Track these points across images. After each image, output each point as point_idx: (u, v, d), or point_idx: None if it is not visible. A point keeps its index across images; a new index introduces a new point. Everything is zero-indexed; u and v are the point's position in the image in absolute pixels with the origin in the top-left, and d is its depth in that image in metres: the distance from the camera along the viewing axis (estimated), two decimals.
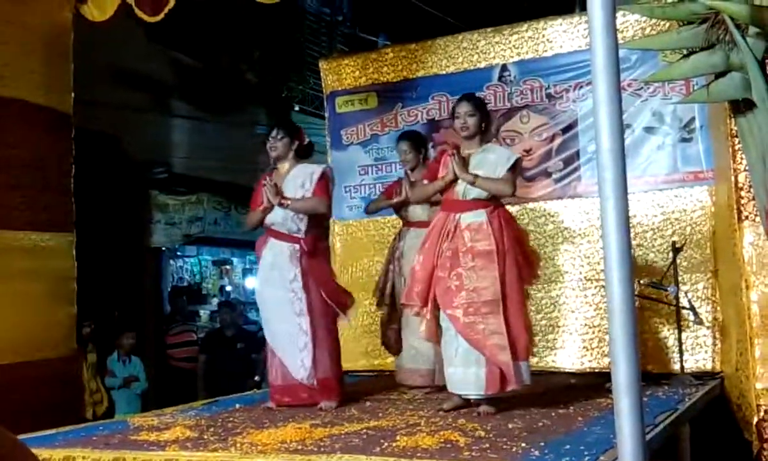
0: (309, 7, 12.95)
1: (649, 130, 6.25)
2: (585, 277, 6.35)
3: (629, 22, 6.06)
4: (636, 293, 5.38)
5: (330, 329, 5.03)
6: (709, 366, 5.84)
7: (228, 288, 12.24)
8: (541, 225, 6.52)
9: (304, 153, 5.15)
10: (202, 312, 11.48)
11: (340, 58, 7.72)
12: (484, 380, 4.34)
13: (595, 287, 6.23)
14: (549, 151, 6.59)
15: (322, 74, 7.57)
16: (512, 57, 6.70)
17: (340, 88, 7.38)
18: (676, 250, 5.69)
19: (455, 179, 4.58)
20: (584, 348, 6.27)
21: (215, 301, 11.64)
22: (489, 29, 6.83)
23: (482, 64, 6.80)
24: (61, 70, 6.01)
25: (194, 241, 11.04)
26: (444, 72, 6.95)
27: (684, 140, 6.16)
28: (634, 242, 5.83)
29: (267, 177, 5.00)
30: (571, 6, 7.45)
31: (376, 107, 7.22)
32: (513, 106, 6.70)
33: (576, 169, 6.50)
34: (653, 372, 5.54)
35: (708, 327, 5.86)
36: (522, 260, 4.57)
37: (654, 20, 5.80)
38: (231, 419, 4.54)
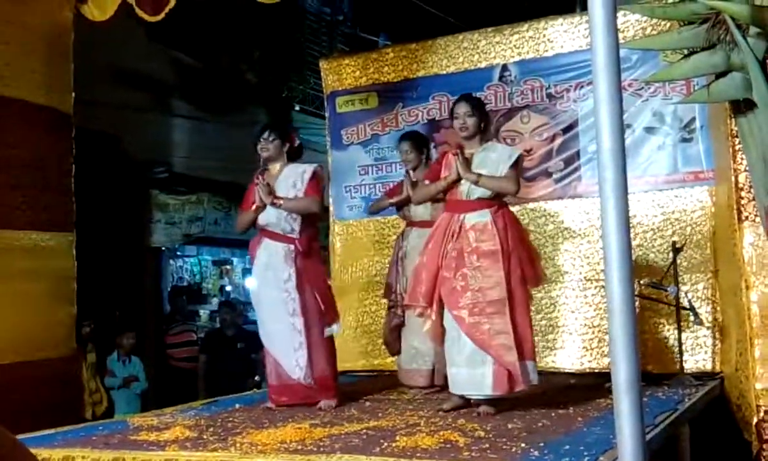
0: (309, 7, 12.95)
1: (649, 130, 6.25)
2: (585, 277, 6.35)
3: (630, 22, 6.06)
4: (636, 293, 5.39)
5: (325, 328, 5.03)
6: (708, 367, 5.83)
7: (228, 288, 12.23)
8: (541, 225, 6.52)
9: (296, 154, 5.16)
10: (202, 312, 11.47)
11: (340, 58, 7.72)
12: (491, 380, 4.33)
13: (595, 288, 6.23)
14: (549, 151, 6.59)
15: (322, 74, 7.57)
16: (513, 57, 6.69)
17: (340, 88, 7.38)
18: (676, 250, 5.69)
19: (458, 180, 4.57)
20: (584, 348, 6.27)
21: (215, 301, 11.64)
22: (489, 29, 6.83)
23: (483, 64, 6.80)
24: (62, 69, 6.01)
25: (194, 241, 11.03)
26: (444, 72, 6.95)
27: (684, 140, 6.16)
28: (634, 243, 5.83)
29: (259, 176, 5.00)
30: (571, 6, 7.45)
31: (377, 107, 7.22)
32: (513, 106, 6.70)
33: (576, 169, 6.50)
34: (653, 373, 5.53)
35: (708, 328, 5.86)
36: (526, 260, 4.57)
37: (655, 20, 5.80)
38: (231, 419, 4.54)
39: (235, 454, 3.43)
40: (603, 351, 6.04)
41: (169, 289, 10.68)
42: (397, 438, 3.56)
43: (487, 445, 3.43)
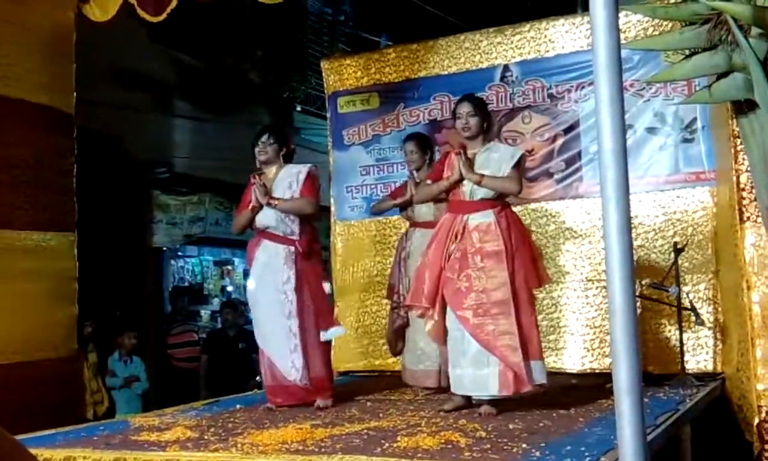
0: (311, 7, 12.95)
1: (651, 130, 6.25)
2: (586, 277, 6.34)
3: (632, 23, 6.05)
4: (637, 293, 5.40)
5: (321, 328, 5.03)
6: (710, 367, 5.83)
7: (229, 289, 12.24)
8: (542, 226, 6.52)
9: (290, 157, 5.19)
10: (203, 312, 11.48)
11: (342, 58, 7.72)
12: (497, 381, 4.33)
13: (597, 288, 6.23)
14: (551, 151, 6.59)
15: (324, 74, 7.57)
16: (514, 57, 6.69)
17: (341, 89, 7.37)
18: (678, 251, 5.69)
19: (460, 180, 4.57)
20: (585, 348, 6.27)
21: (216, 301, 11.64)
22: (491, 29, 6.82)
23: (484, 65, 6.79)
24: (63, 70, 6.01)
25: (195, 241, 11.03)
26: (446, 72, 6.95)
27: (686, 140, 6.16)
28: (635, 243, 5.83)
29: (255, 177, 5.01)
30: (573, 6, 7.46)
31: (378, 107, 7.22)
32: (515, 106, 6.69)
33: (578, 169, 6.50)
34: (654, 373, 5.53)
35: (709, 328, 5.86)
36: (530, 260, 4.56)
37: (656, 20, 5.79)
38: (232, 419, 4.55)
39: (236, 454, 3.43)
40: (604, 352, 6.04)
41: (170, 289, 10.69)
42: (398, 438, 3.56)
43: (489, 446, 3.42)
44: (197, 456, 3.46)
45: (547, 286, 5.49)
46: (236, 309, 8.98)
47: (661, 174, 6.20)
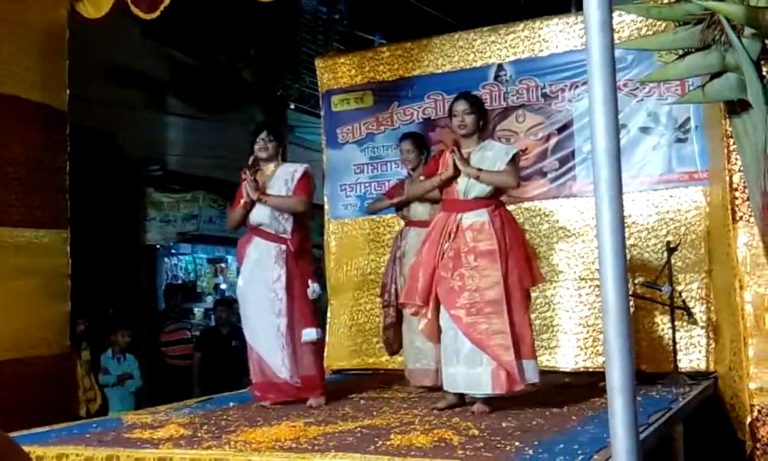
0: (305, 5, 12.94)
1: (644, 130, 6.26)
2: (580, 276, 6.36)
3: (625, 22, 6.06)
4: (630, 292, 5.40)
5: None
6: (702, 366, 5.85)
7: (223, 286, 12.22)
8: (536, 225, 6.53)
9: (284, 155, 5.20)
10: (196, 310, 11.47)
11: (336, 57, 7.71)
12: (489, 380, 4.33)
13: (590, 287, 6.24)
14: (544, 150, 6.60)
15: (317, 72, 7.56)
16: (508, 56, 6.69)
17: (335, 87, 7.37)
18: (671, 250, 5.70)
19: (454, 177, 4.57)
20: (579, 347, 6.28)
21: (210, 299, 11.63)
22: (485, 28, 6.82)
23: (478, 64, 6.80)
24: (56, 67, 6.00)
25: (189, 239, 11.01)
26: (440, 71, 6.95)
27: (679, 140, 6.17)
28: (628, 242, 5.84)
29: (246, 172, 5.01)
30: (567, 6, 7.47)
31: (372, 106, 7.21)
32: (509, 105, 6.70)
33: (571, 168, 6.51)
34: (647, 372, 5.55)
35: (702, 327, 5.88)
36: (524, 259, 4.56)
37: (650, 20, 5.81)
38: (225, 417, 4.54)
39: (229, 452, 3.43)
40: (597, 350, 6.05)
41: (163, 287, 10.67)
42: (392, 436, 3.56)
43: (482, 444, 3.43)
44: (190, 453, 3.45)
45: (540, 285, 5.50)
46: (230, 307, 8.97)
47: (655, 174, 6.22)
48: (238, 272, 5.34)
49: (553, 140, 6.57)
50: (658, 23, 5.71)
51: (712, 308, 5.82)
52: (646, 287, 5.83)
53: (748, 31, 3.54)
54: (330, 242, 7.37)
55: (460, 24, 7.76)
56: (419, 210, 5.63)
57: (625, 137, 6.08)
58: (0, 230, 5.44)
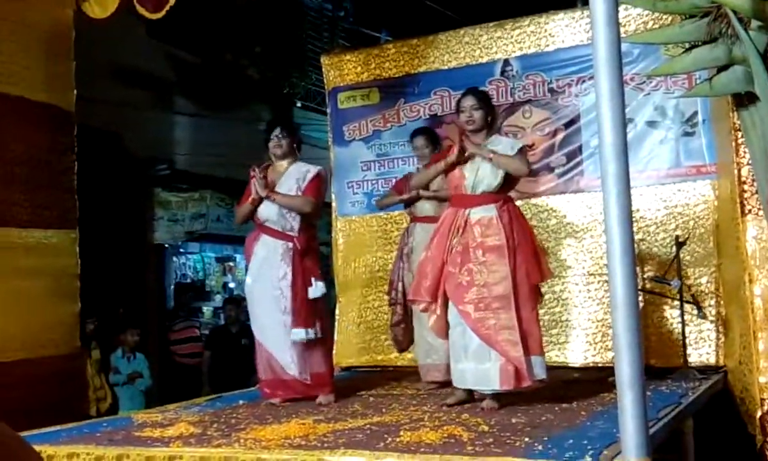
0: (311, 3, 12.93)
1: (651, 124, 6.25)
2: (588, 272, 6.35)
3: (631, 16, 6.05)
4: (639, 287, 5.39)
5: (321, 324, 5.02)
6: (712, 360, 5.83)
7: (231, 285, 12.25)
8: (544, 220, 6.52)
9: (300, 149, 5.21)
10: (205, 309, 11.50)
11: (341, 54, 7.71)
12: (498, 376, 4.32)
13: (599, 282, 6.23)
14: (552, 146, 6.59)
15: (323, 70, 7.56)
16: (514, 52, 6.69)
17: (342, 84, 7.37)
18: (680, 244, 5.69)
19: (457, 163, 4.56)
20: (588, 342, 6.27)
21: (219, 298, 11.66)
22: (491, 24, 6.81)
23: (484, 59, 6.79)
24: (63, 67, 6.01)
25: (197, 238, 11.04)
26: (446, 67, 6.95)
27: (687, 134, 6.16)
28: (637, 237, 5.83)
29: (255, 169, 5.02)
30: (573, 0, 7.43)
31: (378, 103, 7.22)
32: (515, 101, 6.69)
33: (579, 164, 6.50)
34: (656, 366, 5.54)
35: (711, 321, 5.86)
36: (532, 255, 4.56)
37: (656, 14, 5.78)
38: (234, 415, 4.55)
39: (239, 450, 3.43)
40: (607, 345, 6.05)
41: (172, 286, 10.70)
42: (401, 433, 3.57)
43: (491, 440, 3.43)
44: (200, 451, 3.46)
45: (549, 281, 5.50)
46: (239, 306, 8.99)
47: (662, 168, 6.20)
48: (246, 271, 5.35)
49: (560, 135, 6.57)
50: (665, 17, 5.67)
51: (722, 302, 5.80)
52: (655, 281, 5.82)
53: (754, 23, 3.52)
54: (338, 239, 7.37)
55: (466, 20, 7.75)
56: (426, 206, 5.64)
57: (632, 132, 6.06)
58: (9, 230, 5.46)
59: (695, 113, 6.08)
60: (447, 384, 5.25)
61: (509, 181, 4.62)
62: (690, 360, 5.67)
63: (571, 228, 6.46)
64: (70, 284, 5.94)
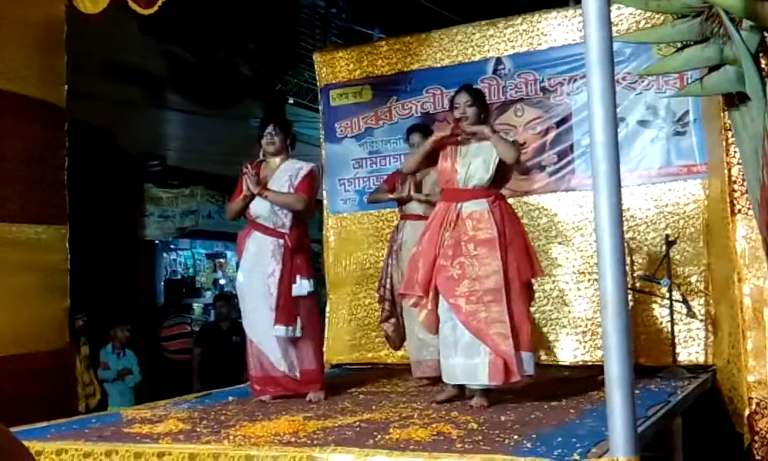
0: (304, 0, 12.92)
1: (642, 123, 6.26)
2: (578, 270, 6.36)
3: (623, 15, 6.06)
4: (629, 286, 5.40)
5: (310, 321, 5.04)
6: (701, 359, 5.86)
7: (222, 281, 12.23)
8: (534, 218, 6.53)
9: (293, 146, 5.20)
10: (195, 305, 11.47)
11: (334, 51, 7.69)
12: (487, 370, 4.32)
13: (589, 281, 6.24)
14: (543, 144, 6.60)
15: (316, 67, 7.55)
16: (507, 50, 6.69)
17: (334, 81, 7.36)
18: (670, 243, 5.71)
19: (445, 140, 4.58)
20: (577, 341, 6.29)
21: (209, 294, 11.64)
22: (484, 22, 6.82)
23: (477, 57, 6.79)
24: (55, 63, 5.98)
25: (188, 234, 11.02)
26: (439, 65, 6.95)
27: (678, 133, 6.18)
28: (627, 235, 5.84)
29: (248, 166, 5.02)
30: None
31: (371, 100, 7.21)
32: (507, 99, 6.70)
33: (570, 162, 6.51)
34: (646, 365, 5.56)
35: (700, 320, 5.88)
36: (524, 251, 4.56)
37: (648, 13, 5.80)
38: (224, 412, 4.55)
39: (228, 447, 3.43)
40: (596, 344, 6.06)
41: (162, 282, 10.68)
42: (391, 430, 3.57)
43: (480, 437, 3.43)
44: (189, 448, 3.45)
45: (539, 278, 5.51)
46: (230, 302, 8.97)
47: (653, 167, 6.22)
48: (237, 267, 5.34)
49: (552, 134, 6.58)
50: (657, 16, 5.68)
51: (711, 301, 5.83)
52: (645, 280, 5.84)
53: (746, 23, 3.54)
54: (329, 236, 7.37)
55: (459, 18, 7.75)
56: (414, 205, 5.68)
57: (624, 131, 6.08)
58: None
59: (686, 113, 6.10)
60: (439, 379, 5.26)
61: (500, 176, 4.62)
62: (679, 358, 5.70)
63: (561, 227, 6.48)
64: (60, 279, 5.92)
